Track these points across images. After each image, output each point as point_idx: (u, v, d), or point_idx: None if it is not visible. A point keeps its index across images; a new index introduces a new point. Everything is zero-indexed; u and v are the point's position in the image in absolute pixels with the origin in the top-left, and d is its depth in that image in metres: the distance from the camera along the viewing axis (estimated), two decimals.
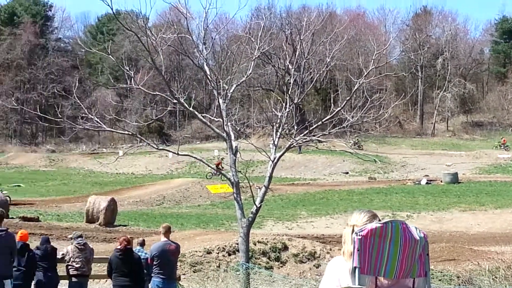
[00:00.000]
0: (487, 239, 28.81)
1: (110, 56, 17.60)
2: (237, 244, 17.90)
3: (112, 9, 14.08)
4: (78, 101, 17.95)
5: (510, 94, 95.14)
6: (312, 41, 20.03)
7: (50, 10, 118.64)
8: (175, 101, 16.50)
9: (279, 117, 16.71)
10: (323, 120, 17.46)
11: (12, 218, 28.59)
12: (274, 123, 16.81)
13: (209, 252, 19.92)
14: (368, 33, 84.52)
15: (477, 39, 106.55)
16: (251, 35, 18.85)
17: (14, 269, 11.20)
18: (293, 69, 17.47)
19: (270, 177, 16.24)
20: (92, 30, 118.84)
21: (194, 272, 18.98)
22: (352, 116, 17.31)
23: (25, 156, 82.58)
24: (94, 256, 13.53)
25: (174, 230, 19.75)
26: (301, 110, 44.21)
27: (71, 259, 12.53)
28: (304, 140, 17.10)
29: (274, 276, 18.17)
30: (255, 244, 20.59)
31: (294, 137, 16.91)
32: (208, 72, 16.49)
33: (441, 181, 50.28)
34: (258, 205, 15.62)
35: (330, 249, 21.92)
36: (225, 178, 17.18)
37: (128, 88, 60.73)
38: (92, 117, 16.32)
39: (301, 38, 17.74)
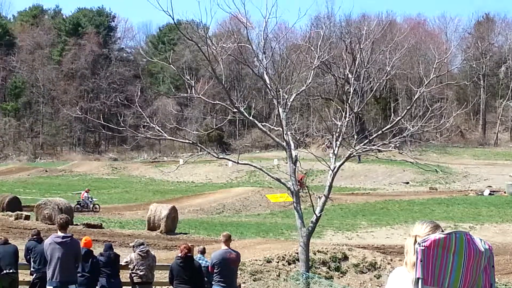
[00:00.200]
0: None
1: (171, 65, 17.88)
2: (297, 253, 17.85)
3: (173, 19, 14.32)
4: (140, 110, 18.27)
5: None
6: (371, 50, 19.90)
7: (113, 21, 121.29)
8: (235, 110, 16.63)
9: (338, 126, 16.64)
10: (383, 130, 17.30)
11: (76, 224, 29.18)
12: (334, 133, 16.75)
13: (269, 261, 19.91)
14: (429, 41, 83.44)
15: None
16: (311, 44, 18.85)
17: (79, 275, 11.44)
18: (352, 78, 17.39)
19: (330, 186, 16.19)
20: (153, 40, 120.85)
21: (254, 280, 19.01)
22: (413, 125, 17.10)
23: (88, 164, 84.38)
24: (156, 264, 13.71)
25: (234, 238, 19.82)
26: (360, 120, 43.88)
27: (135, 267, 12.72)
28: (364, 150, 16.97)
29: (334, 286, 18.03)
30: (315, 254, 20.47)
31: (354, 146, 16.80)
32: (268, 81, 16.56)
33: (505, 192, 49.14)
34: (318, 215, 15.58)
35: (391, 260, 21.61)
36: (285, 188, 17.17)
37: (189, 97, 61.48)
38: (154, 126, 16.58)
39: (361, 47, 17.65)
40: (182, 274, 11.82)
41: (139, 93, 25.12)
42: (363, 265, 21.05)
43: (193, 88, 17.03)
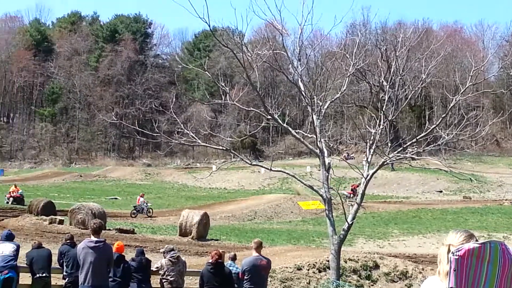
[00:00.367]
0: None
1: (206, 72, 17.89)
2: (328, 261, 17.73)
3: (209, 26, 14.34)
4: (175, 116, 18.34)
5: None
6: (407, 58, 19.72)
7: (150, 27, 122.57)
8: (269, 117, 16.60)
9: (372, 134, 16.49)
10: (417, 137, 17.08)
11: (109, 229, 29.37)
12: (368, 140, 16.60)
13: (299, 269, 19.80)
14: (465, 49, 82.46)
15: None
16: (346, 52, 18.74)
17: (110, 279, 11.50)
18: (387, 86, 17.22)
19: (363, 194, 16.04)
20: (189, 46, 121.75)
21: None
22: (447, 133, 16.86)
23: (122, 169, 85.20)
24: (187, 269, 13.70)
25: (265, 245, 19.78)
26: (394, 127, 43.54)
27: (165, 272, 12.73)
28: (397, 158, 16.78)
29: None
30: (345, 262, 20.31)
31: (388, 154, 16.62)
32: (302, 88, 16.49)
33: None
34: (350, 222, 15.43)
35: (423, 269, 21.32)
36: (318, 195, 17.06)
37: (223, 104, 61.68)
38: (188, 132, 16.62)
39: (397, 54, 17.49)
40: (213, 280, 11.80)
41: (174, 99, 25.23)
42: (394, 274, 20.82)
43: (227, 94, 17.05)
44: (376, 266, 21.04)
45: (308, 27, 16.74)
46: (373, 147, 16.39)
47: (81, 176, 75.37)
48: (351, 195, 50.58)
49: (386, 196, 57.95)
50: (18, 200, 43.80)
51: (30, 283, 13.11)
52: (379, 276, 20.70)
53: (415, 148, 17.60)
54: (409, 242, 31.94)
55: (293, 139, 72.92)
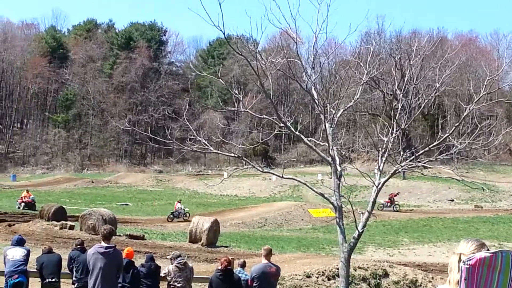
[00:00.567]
0: None
1: (220, 79, 17.87)
2: (337, 269, 17.63)
3: (224, 34, 14.31)
4: (187, 123, 18.30)
5: None
6: (421, 66, 19.61)
7: (165, 35, 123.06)
8: (282, 124, 16.55)
9: (385, 142, 16.40)
10: (430, 146, 16.96)
11: (119, 235, 29.42)
12: (380, 148, 16.51)
13: (308, 276, 19.73)
14: (480, 58, 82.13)
15: None
16: (360, 60, 18.67)
17: (119, 285, 11.49)
18: (401, 94, 17.13)
19: (374, 202, 15.93)
20: (203, 54, 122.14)
21: None
22: (460, 142, 16.73)
23: (134, 176, 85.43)
24: (196, 276, 13.68)
25: (274, 253, 19.70)
26: (407, 136, 43.36)
27: (173, 279, 12.72)
28: (409, 166, 16.66)
29: None
30: (355, 270, 20.23)
31: (400, 162, 16.51)
32: (315, 97, 16.43)
33: None
34: (360, 230, 15.33)
35: (432, 278, 21.17)
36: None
37: (236, 111, 61.75)
38: (200, 139, 16.59)
39: (411, 63, 17.41)
40: (221, 287, 11.75)
41: (187, 107, 25.21)
42: (404, 283, 20.70)
43: (240, 102, 17.01)
44: (386, 275, 20.93)
45: (323, 35, 16.67)
46: (385, 156, 16.29)
47: (92, 182, 75.62)
48: (388, 204, 50.57)
49: (397, 204, 57.77)
50: (30, 205, 44.02)
51: None
52: (389, 285, 20.59)
53: (427, 157, 17.49)
54: (419, 251, 31.78)
55: (305, 147, 72.77)
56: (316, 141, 18.32)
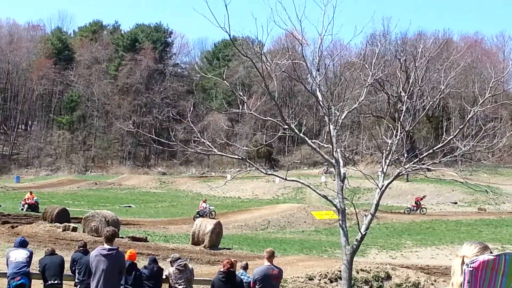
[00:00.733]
0: None
1: (225, 81, 17.85)
2: (340, 271, 17.60)
3: (229, 35, 14.31)
4: (192, 125, 18.31)
5: None
6: (426, 68, 19.54)
7: (170, 37, 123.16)
8: (286, 126, 16.51)
9: (389, 144, 16.34)
10: (434, 148, 16.90)
11: (122, 237, 29.38)
12: (384, 150, 16.45)
13: (311, 279, 19.70)
14: (485, 60, 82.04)
15: None
16: (365, 62, 18.62)
17: (122, 287, 11.50)
18: (405, 96, 17.07)
19: (377, 204, 15.87)
20: (208, 56, 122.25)
21: None
22: (464, 145, 16.66)
23: (137, 177, 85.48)
24: (198, 278, 13.66)
25: (277, 255, 19.68)
26: (411, 138, 43.30)
27: (174, 281, 12.72)
28: (413, 168, 16.60)
29: None
30: (357, 272, 20.20)
31: (404, 165, 16.45)
32: (320, 98, 16.39)
33: None
34: (363, 233, 15.27)
35: (435, 281, 21.11)
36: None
37: (240, 113, 61.69)
38: (204, 141, 16.57)
39: (416, 65, 17.35)
40: None
41: (191, 108, 25.24)
42: (406, 285, 20.66)
43: (245, 104, 16.97)
44: (388, 277, 20.89)
45: (328, 37, 16.63)
46: (389, 158, 16.24)
47: (96, 183, 75.71)
48: (415, 208, 50.53)
49: (400, 206, 57.80)
50: (33, 207, 44.09)
51: None
52: (391, 287, 20.55)
53: (431, 159, 17.41)
54: (422, 254, 31.73)
55: (308, 149, 72.70)
56: (320, 143, 18.28)
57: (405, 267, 24.11)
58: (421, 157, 16.73)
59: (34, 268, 14.19)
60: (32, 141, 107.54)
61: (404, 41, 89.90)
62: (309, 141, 16.93)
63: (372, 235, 35.25)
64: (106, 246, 10.68)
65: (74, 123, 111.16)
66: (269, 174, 19.38)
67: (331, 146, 15.99)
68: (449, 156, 16.89)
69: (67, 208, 39.33)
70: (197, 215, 43.34)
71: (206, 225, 30.60)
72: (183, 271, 12.77)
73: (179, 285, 12.64)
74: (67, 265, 13.74)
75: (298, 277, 19.57)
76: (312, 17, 16.03)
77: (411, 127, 17.25)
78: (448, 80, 17.63)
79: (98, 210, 36.74)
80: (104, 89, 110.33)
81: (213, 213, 44.86)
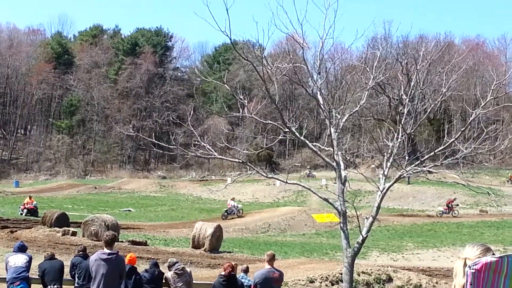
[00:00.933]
0: None
1: (225, 85, 17.85)
2: (341, 274, 17.58)
3: (230, 39, 14.31)
4: (192, 129, 18.28)
5: None
6: (427, 71, 19.53)
7: (170, 40, 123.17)
8: (286, 130, 16.50)
9: (390, 147, 16.32)
10: (435, 151, 16.87)
11: (122, 241, 29.36)
12: (385, 153, 16.43)
13: (312, 281, 19.68)
14: (487, 63, 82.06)
15: None
16: (366, 65, 18.62)
17: None
18: (407, 99, 17.05)
19: (378, 207, 15.85)
20: (208, 59, 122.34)
21: None
22: (466, 147, 16.63)
23: (137, 181, 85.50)
24: (199, 282, 13.62)
25: (278, 258, 19.64)
26: (412, 141, 43.25)
27: (172, 285, 12.71)
28: (415, 171, 16.58)
29: None
30: (358, 275, 20.19)
31: (405, 167, 16.43)
32: (321, 102, 16.38)
33: None
34: (365, 235, 15.25)
35: (437, 283, 21.08)
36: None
37: (240, 117, 61.65)
38: (204, 144, 16.56)
39: (417, 68, 17.34)
40: None
41: (191, 112, 25.15)
42: (408, 287, 20.62)
43: (245, 107, 16.97)
44: (390, 279, 20.88)
45: (329, 40, 16.63)
46: (391, 160, 16.21)
47: (95, 188, 75.66)
48: (447, 211, 50.43)
49: (401, 209, 57.89)
50: (32, 211, 44.05)
51: None
52: None
53: (433, 162, 17.39)
54: (424, 256, 31.72)
55: (309, 152, 72.71)
56: (320, 146, 18.26)
57: (406, 269, 24.11)
58: (422, 159, 16.71)
59: (34, 272, 14.16)
60: (32, 145, 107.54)
61: (405, 44, 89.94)
62: (309, 144, 16.91)
63: (373, 237, 35.26)
64: (106, 250, 10.68)
65: (73, 128, 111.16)
66: (270, 178, 19.37)
67: (332, 149, 15.98)
68: (450, 159, 16.87)
69: (67, 213, 39.28)
70: (225, 213, 46.15)
71: (206, 228, 30.57)
72: (181, 274, 12.76)
73: None
74: (66, 270, 13.71)
75: (299, 280, 19.55)
76: (313, 20, 16.05)
77: (412, 130, 17.25)
78: (450, 82, 17.63)
79: (97, 214, 36.60)
80: (104, 93, 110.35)
81: (241, 211, 47.07)
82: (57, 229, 32.67)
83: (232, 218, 45.85)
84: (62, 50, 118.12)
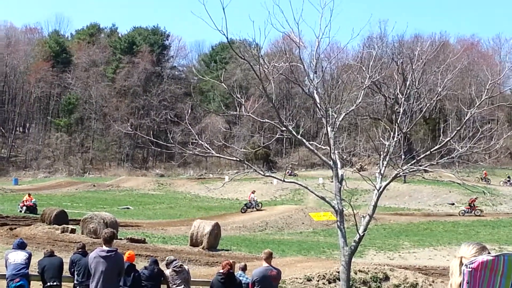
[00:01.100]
0: None
1: (222, 83, 17.90)
2: (338, 272, 17.64)
3: (227, 38, 14.37)
4: (189, 127, 18.32)
5: None
6: (423, 71, 19.59)
7: (167, 39, 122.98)
8: (283, 128, 16.56)
9: (386, 146, 16.39)
10: (431, 150, 16.96)
11: (120, 239, 29.36)
12: (381, 152, 16.50)
13: (309, 280, 19.73)
14: (482, 62, 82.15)
15: None
16: (362, 64, 18.67)
17: None
18: (402, 99, 17.13)
19: (375, 206, 15.92)
20: (205, 58, 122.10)
21: None
22: (461, 146, 16.71)
23: (135, 179, 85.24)
24: (197, 279, 13.68)
25: (275, 256, 19.70)
26: (408, 140, 43.32)
27: (171, 282, 12.76)
28: (410, 170, 16.65)
29: None
30: (355, 273, 20.24)
31: (401, 166, 16.51)
32: (317, 101, 16.44)
33: None
34: (361, 234, 15.32)
35: (433, 281, 21.14)
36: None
37: (237, 115, 61.65)
38: (202, 142, 16.62)
39: (413, 67, 17.40)
40: None
41: (189, 111, 25.27)
42: (404, 286, 20.72)
43: (242, 106, 17.02)
44: (386, 278, 20.94)
45: (325, 40, 16.74)
46: (387, 159, 16.29)
47: (94, 185, 75.51)
48: (469, 210, 50.28)
49: (397, 208, 57.81)
50: (31, 209, 44.02)
51: None
52: None
53: (428, 161, 17.47)
54: (420, 254, 31.75)
55: (306, 150, 72.82)
56: (317, 144, 18.33)
57: (403, 268, 24.16)
58: (418, 158, 16.79)
59: (33, 269, 14.22)
60: (30, 143, 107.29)
61: (401, 43, 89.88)
62: (306, 143, 16.98)
63: (370, 236, 35.27)
64: (104, 247, 10.70)
65: (72, 126, 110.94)
66: (267, 176, 19.43)
67: (328, 148, 16.05)
68: (446, 158, 16.96)
69: (66, 210, 39.22)
70: (245, 207, 48.28)
71: (204, 226, 30.58)
72: (179, 272, 12.81)
73: (177, 286, 12.68)
74: (66, 267, 13.77)
75: (297, 278, 19.61)
76: (309, 19, 16.08)
77: (408, 129, 17.31)
78: (445, 82, 17.69)
79: (96, 212, 36.66)
80: (101, 91, 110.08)
81: (260, 204, 48.52)
82: (56, 226, 32.67)
83: (252, 210, 47.81)
84: (60, 48, 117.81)
